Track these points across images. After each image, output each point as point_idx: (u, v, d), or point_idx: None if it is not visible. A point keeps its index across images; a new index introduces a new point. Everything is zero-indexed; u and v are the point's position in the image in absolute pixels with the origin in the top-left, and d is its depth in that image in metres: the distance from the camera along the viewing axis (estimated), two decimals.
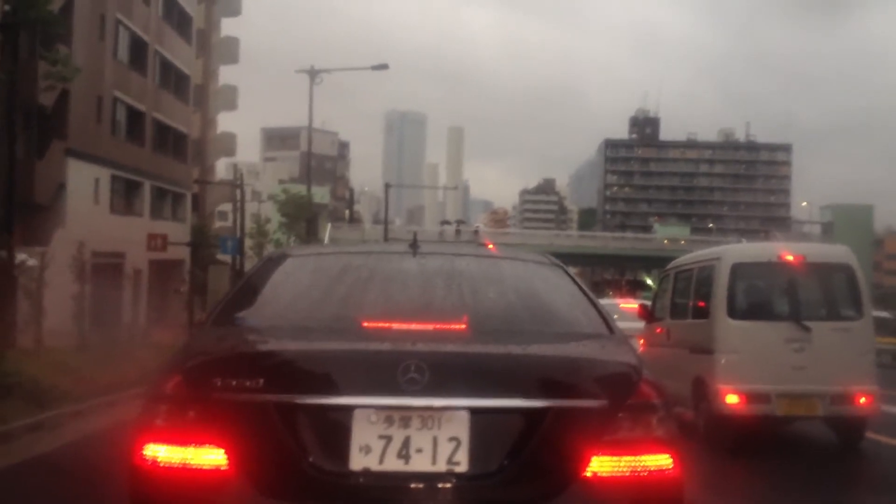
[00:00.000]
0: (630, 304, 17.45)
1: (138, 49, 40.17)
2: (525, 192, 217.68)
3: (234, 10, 60.31)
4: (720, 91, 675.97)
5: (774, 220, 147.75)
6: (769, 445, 10.39)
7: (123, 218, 37.54)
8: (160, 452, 2.95)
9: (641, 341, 12.38)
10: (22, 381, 11.36)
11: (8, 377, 11.25)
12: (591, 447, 2.95)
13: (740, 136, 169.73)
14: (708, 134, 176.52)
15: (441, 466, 2.92)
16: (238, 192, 43.11)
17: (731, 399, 9.73)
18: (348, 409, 2.93)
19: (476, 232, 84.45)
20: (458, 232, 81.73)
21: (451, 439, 2.92)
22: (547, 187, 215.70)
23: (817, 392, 9.79)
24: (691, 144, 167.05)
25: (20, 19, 16.01)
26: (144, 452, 2.98)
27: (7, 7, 16.67)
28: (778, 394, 9.72)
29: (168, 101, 44.45)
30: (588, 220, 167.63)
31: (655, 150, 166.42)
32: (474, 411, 2.94)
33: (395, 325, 3.39)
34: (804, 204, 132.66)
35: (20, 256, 17.37)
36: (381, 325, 3.40)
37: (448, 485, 2.91)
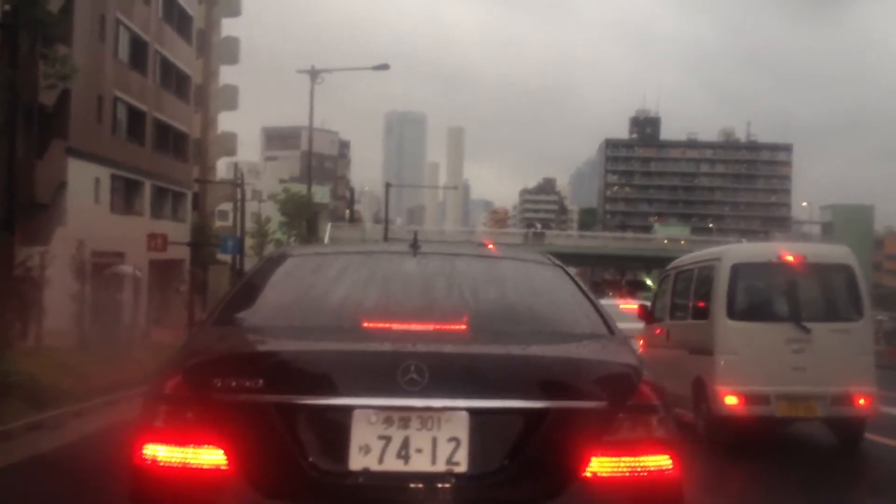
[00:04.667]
0: (630, 305, 17.40)
1: (139, 49, 40.19)
2: (525, 191, 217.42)
3: (235, 11, 60.34)
4: (720, 91, 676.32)
5: (775, 220, 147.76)
6: (768, 446, 10.39)
7: (123, 217, 37.56)
8: (160, 452, 2.96)
9: (641, 342, 12.38)
10: (21, 381, 11.37)
11: (7, 377, 11.25)
12: (591, 448, 2.96)
13: (741, 135, 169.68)
14: (709, 134, 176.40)
15: (441, 466, 2.92)
16: (238, 191, 43.13)
17: (731, 400, 9.73)
18: (348, 410, 2.93)
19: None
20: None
21: (451, 440, 2.93)
22: (547, 187, 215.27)
23: (817, 393, 9.79)
24: (692, 144, 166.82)
25: (22, 19, 16.01)
26: (144, 452, 2.98)
27: (7, 6, 16.67)
28: (777, 395, 9.72)
29: (169, 100, 44.47)
30: (588, 219, 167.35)
31: (656, 150, 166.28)
32: (474, 412, 2.94)
33: (395, 326, 3.39)
34: (804, 204, 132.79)
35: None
36: (380, 325, 3.40)
37: (448, 485, 2.92)
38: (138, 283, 33.72)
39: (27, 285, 20.60)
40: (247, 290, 4.14)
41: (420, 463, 2.93)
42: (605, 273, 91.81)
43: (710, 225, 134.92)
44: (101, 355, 16.35)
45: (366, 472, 2.91)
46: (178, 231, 40.59)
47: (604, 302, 11.66)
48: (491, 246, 5.24)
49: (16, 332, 17.87)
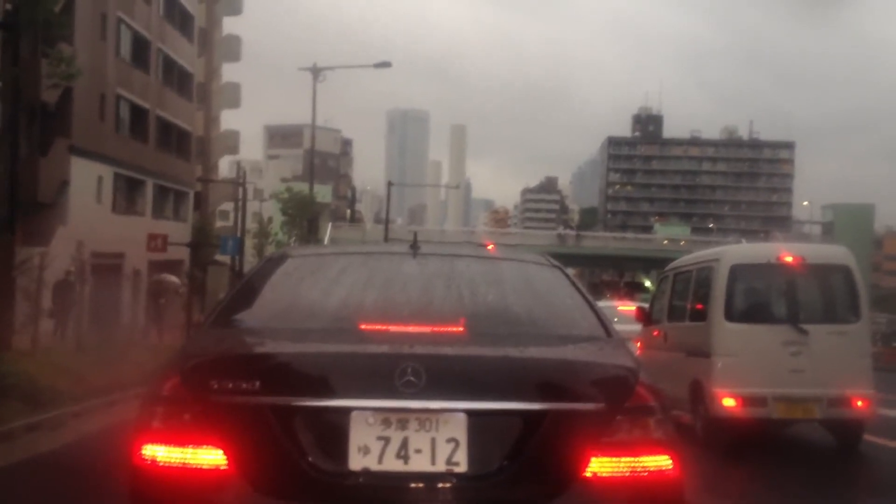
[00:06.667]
0: (628, 307, 17.39)
1: (140, 47, 40.19)
2: (527, 190, 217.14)
3: (236, 9, 60.25)
4: (723, 90, 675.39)
5: (776, 220, 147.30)
6: (766, 448, 10.39)
7: (125, 217, 37.55)
8: (159, 453, 2.98)
9: (639, 344, 12.38)
10: (20, 382, 11.37)
11: (6, 378, 11.26)
12: (590, 449, 2.98)
13: (744, 133, 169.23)
14: (711, 132, 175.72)
15: (440, 466, 2.95)
16: (240, 190, 43.08)
17: (729, 402, 9.73)
18: (345, 412, 2.95)
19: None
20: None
21: (450, 440, 2.95)
22: (549, 186, 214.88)
23: (814, 396, 9.80)
24: (694, 142, 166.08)
25: (24, 19, 16.04)
26: (143, 453, 3.00)
27: (8, 6, 16.70)
28: (775, 397, 9.72)
29: (171, 98, 44.44)
30: (589, 219, 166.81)
31: (658, 148, 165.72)
32: (471, 413, 2.96)
33: (393, 328, 3.40)
34: (805, 203, 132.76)
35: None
36: (379, 327, 3.41)
37: (448, 485, 2.95)
38: (138, 283, 34.20)
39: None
40: (246, 291, 4.16)
41: (420, 463, 2.95)
42: (603, 274, 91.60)
43: (711, 225, 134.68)
44: (99, 356, 16.35)
45: (366, 472, 2.93)
46: (178, 231, 40.51)
47: (602, 304, 11.71)
48: (490, 246, 5.25)
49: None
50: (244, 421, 2.95)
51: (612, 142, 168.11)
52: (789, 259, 10.44)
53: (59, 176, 31.24)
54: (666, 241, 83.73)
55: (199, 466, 2.95)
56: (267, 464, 2.93)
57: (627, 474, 3.00)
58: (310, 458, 2.92)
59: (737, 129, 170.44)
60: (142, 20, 40.17)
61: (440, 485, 2.95)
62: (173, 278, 34.00)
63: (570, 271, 4.41)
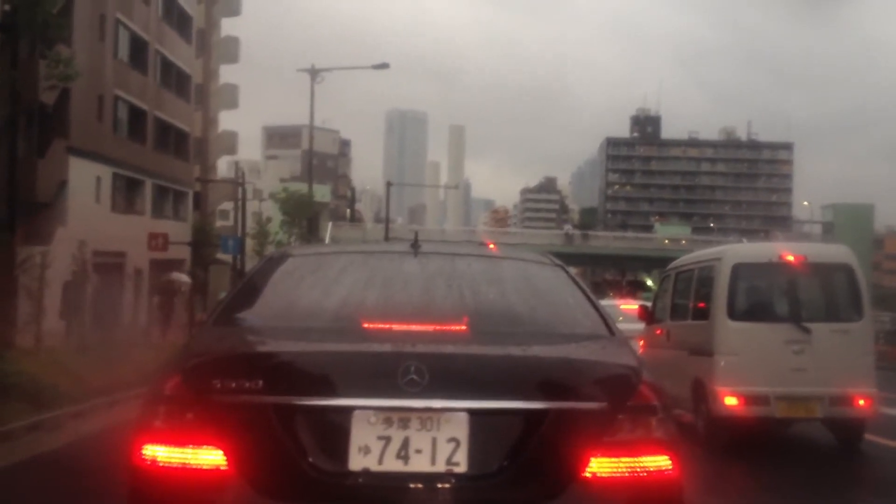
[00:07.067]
0: (630, 306, 17.40)
1: (139, 48, 40.23)
2: (526, 190, 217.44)
3: (234, 11, 60.29)
4: (721, 90, 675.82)
5: (776, 220, 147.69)
6: (768, 447, 10.39)
7: (125, 216, 37.61)
8: (159, 453, 2.96)
9: (641, 343, 12.36)
10: (22, 382, 11.37)
11: (8, 377, 11.25)
12: (591, 448, 2.96)
13: (742, 134, 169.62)
14: (709, 132, 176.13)
15: (440, 467, 2.93)
16: (240, 190, 43.18)
17: (730, 401, 9.72)
18: (347, 411, 2.94)
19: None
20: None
21: (451, 440, 2.93)
22: (548, 186, 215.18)
23: (816, 394, 9.79)
24: (693, 143, 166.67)
25: (22, 21, 16.04)
26: (143, 453, 2.98)
27: (7, 7, 16.71)
28: (777, 396, 9.71)
29: (169, 99, 44.50)
30: (589, 219, 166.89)
31: (657, 149, 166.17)
32: (473, 413, 2.95)
33: (396, 326, 3.38)
34: (805, 203, 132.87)
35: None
36: (381, 325, 3.40)
37: (447, 485, 2.93)
38: (140, 282, 34.33)
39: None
40: (247, 290, 4.14)
41: (420, 463, 2.93)
42: (605, 273, 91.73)
43: (712, 224, 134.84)
44: (101, 356, 16.35)
45: (365, 473, 2.92)
46: (179, 230, 40.59)
47: (604, 302, 11.68)
48: (492, 245, 5.23)
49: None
50: (246, 420, 2.93)
51: (611, 142, 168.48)
52: (791, 258, 10.44)
53: (58, 176, 31.25)
54: (667, 241, 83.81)
55: (199, 467, 2.93)
56: (267, 464, 2.92)
57: (626, 475, 2.98)
58: (310, 459, 2.91)
59: (735, 130, 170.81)
60: (140, 21, 40.22)
61: (439, 485, 2.93)
62: (184, 277, 34.25)
63: (572, 270, 4.38)
